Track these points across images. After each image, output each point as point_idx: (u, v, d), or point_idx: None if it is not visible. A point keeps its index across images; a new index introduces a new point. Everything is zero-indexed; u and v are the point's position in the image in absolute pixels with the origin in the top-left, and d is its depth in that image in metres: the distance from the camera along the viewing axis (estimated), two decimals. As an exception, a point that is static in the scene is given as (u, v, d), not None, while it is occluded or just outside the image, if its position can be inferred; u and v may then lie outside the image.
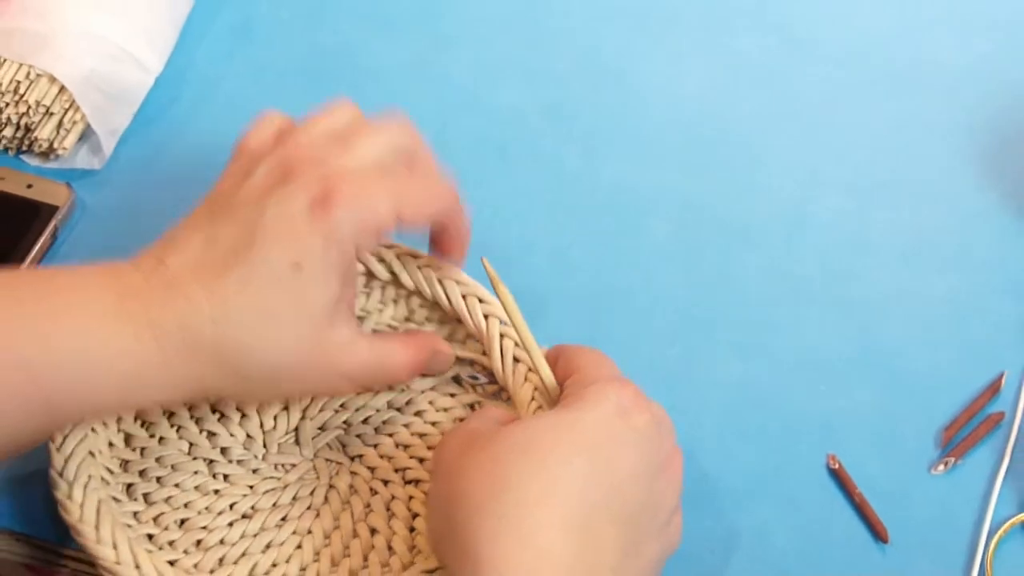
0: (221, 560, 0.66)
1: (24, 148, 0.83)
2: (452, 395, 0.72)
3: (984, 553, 0.69)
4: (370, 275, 0.71)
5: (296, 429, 0.71)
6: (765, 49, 0.93)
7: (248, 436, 0.70)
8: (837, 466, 0.72)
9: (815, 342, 0.78)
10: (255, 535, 0.68)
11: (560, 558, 0.54)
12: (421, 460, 0.70)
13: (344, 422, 0.71)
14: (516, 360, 0.67)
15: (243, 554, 0.67)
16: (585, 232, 0.83)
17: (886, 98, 0.90)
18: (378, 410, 0.71)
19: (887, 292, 0.80)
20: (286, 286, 0.58)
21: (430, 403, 0.72)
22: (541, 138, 0.88)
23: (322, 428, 0.71)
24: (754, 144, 0.88)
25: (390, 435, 0.71)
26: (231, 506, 0.68)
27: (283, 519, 0.69)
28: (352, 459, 0.71)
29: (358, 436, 0.71)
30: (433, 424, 0.71)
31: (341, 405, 0.71)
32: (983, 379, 0.76)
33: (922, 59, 0.93)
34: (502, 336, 0.68)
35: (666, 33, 0.94)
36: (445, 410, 0.72)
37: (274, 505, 0.69)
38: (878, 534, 0.70)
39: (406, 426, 0.71)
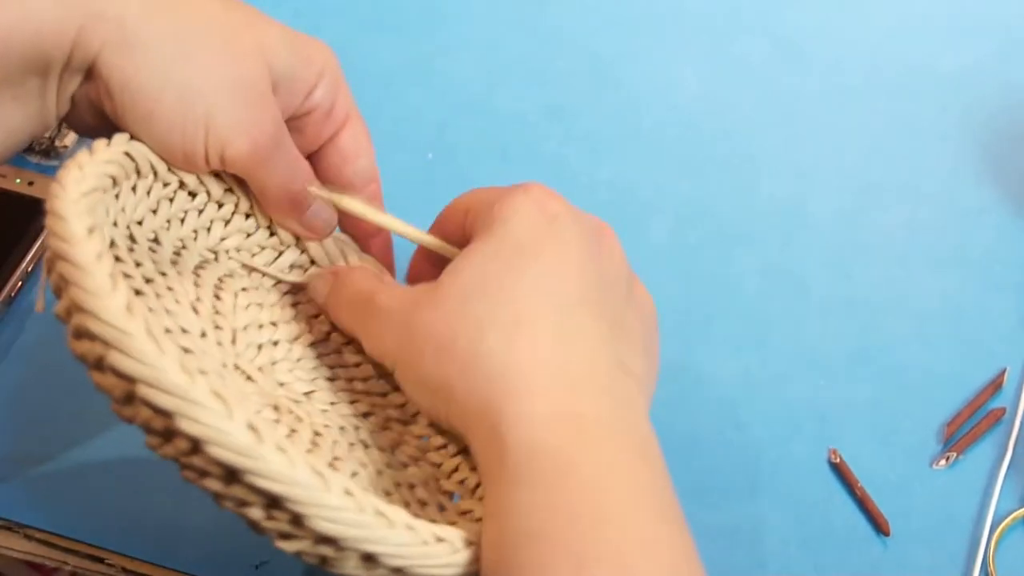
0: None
1: (25, 146, 0.83)
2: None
3: (986, 547, 0.69)
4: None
5: None
6: (763, 51, 0.94)
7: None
8: (838, 460, 0.72)
9: (815, 338, 0.78)
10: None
11: (565, 366, 0.52)
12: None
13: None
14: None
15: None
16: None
17: (883, 99, 0.91)
18: None
19: (886, 290, 0.80)
20: None
21: None
22: (542, 139, 0.88)
23: None
24: (752, 144, 0.88)
25: None
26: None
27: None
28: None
29: None
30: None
31: None
32: (984, 375, 0.76)
33: (919, 61, 0.93)
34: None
35: (665, 36, 0.94)
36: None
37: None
38: (879, 527, 0.70)
39: None
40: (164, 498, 0.70)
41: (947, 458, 0.72)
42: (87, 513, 0.70)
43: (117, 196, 0.55)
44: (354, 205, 0.62)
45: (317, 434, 0.57)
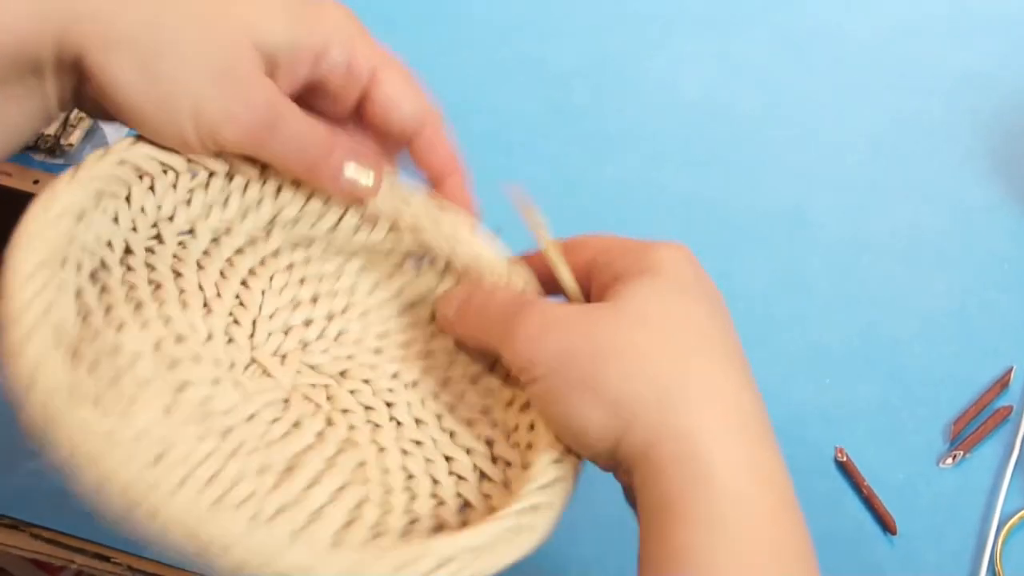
0: None
1: (30, 145, 0.83)
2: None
3: (993, 545, 0.69)
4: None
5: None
6: (768, 50, 0.94)
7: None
8: (845, 459, 0.72)
9: (821, 337, 0.78)
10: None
11: (746, 409, 0.53)
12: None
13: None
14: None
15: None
16: (590, 230, 0.83)
17: (889, 98, 0.91)
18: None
19: (892, 288, 0.80)
20: None
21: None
22: (546, 139, 0.88)
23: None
24: (757, 144, 0.88)
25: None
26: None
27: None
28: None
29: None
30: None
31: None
32: (990, 374, 0.76)
33: (925, 60, 0.93)
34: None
35: (669, 34, 0.94)
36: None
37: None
38: (886, 526, 0.70)
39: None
40: (171, 497, 0.70)
41: (954, 457, 0.72)
42: (93, 512, 0.70)
43: (129, 200, 0.55)
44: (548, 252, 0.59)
45: (332, 419, 0.57)
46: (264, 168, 0.59)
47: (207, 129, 0.54)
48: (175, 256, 0.57)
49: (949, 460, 0.72)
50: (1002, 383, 0.75)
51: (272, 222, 0.61)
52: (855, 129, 0.89)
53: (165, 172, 0.57)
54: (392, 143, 0.62)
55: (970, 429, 0.74)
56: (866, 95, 0.91)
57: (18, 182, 0.80)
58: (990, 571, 0.69)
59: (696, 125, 0.89)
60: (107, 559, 0.69)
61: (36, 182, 0.80)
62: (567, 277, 0.57)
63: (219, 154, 0.57)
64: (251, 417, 0.54)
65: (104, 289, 0.54)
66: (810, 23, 0.95)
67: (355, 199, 0.60)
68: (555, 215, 0.83)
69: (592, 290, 0.57)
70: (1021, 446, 0.73)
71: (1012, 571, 0.69)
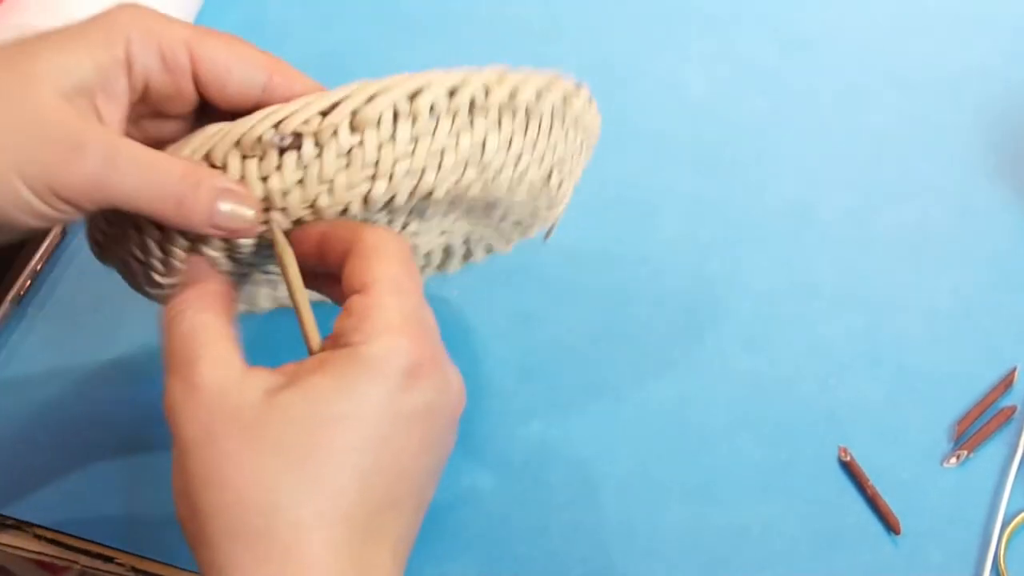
0: None
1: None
2: None
3: (997, 546, 0.69)
4: None
5: None
6: (772, 49, 0.93)
7: None
8: (848, 459, 0.72)
9: (825, 337, 0.78)
10: None
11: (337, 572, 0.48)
12: None
13: None
14: None
15: None
16: (594, 230, 0.83)
17: (894, 97, 0.90)
18: None
19: (896, 288, 0.80)
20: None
21: None
22: (550, 137, 0.88)
23: None
24: (761, 143, 0.88)
25: None
26: None
27: None
28: None
29: None
30: None
31: None
32: (994, 374, 0.76)
33: (930, 59, 0.93)
34: None
35: (675, 33, 0.94)
36: None
37: None
38: (890, 526, 0.70)
39: None
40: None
41: (957, 456, 0.72)
42: (97, 512, 0.70)
43: None
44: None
45: None
46: None
47: (44, 189, 0.51)
48: None
49: (953, 460, 0.72)
50: (1006, 383, 0.75)
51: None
52: (860, 128, 0.89)
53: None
54: (250, 110, 0.56)
55: (974, 429, 0.74)
56: (871, 93, 0.90)
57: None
58: (994, 571, 0.69)
59: (701, 124, 0.89)
60: (110, 560, 0.69)
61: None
62: (310, 330, 0.53)
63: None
64: None
65: None
66: (816, 21, 0.95)
67: (236, 233, 0.55)
68: (563, 214, 0.84)
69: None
70: (1025, 446, 0.73)
71: (1016, 571, 0.69)
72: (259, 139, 0.53)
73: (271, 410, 0.48)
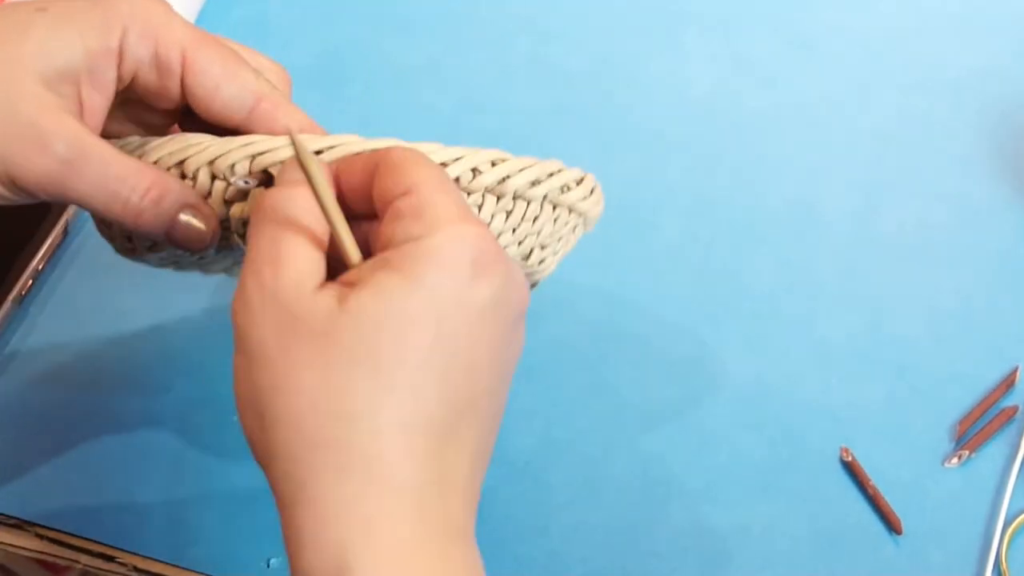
0: None
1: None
2: None
3: (998, 546, 0.69)
4: None
5: None
6: (774, 49, 0.93)
7: None
8: (850, 459, 0.72)
9: (827, 336, 0.78)
10: None
11: (415, 489, 0.46)
12: None
13: None
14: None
15: None
16: (597, 229, 0.82)
17: (896, 97, 0.90)
18: None
19: (898, 287, 0.80)
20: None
21: None
22: (553, 138, 0.88)
23: None
24: (764, 142, 0.88)
25: None
26: None
27: None
28: None
29: None
30: None
31: None
32: (996, 374, 0.76)
33: (932, 59, 0.93)
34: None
35: (677, 32, 0.94)
36: None
37: None
38: (892, 526, 0.70)
39: None
40: (176, 496, 0.70)
41: (959, 456, 0.72)
42: (98, 511, 0.70)
43: None
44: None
45: None
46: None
47: (4, 176, 0.52)
48: None
49: (955, 460, 0.72)
50: (1008, 383, 0.75)
51: None
52: (862, 127, 0.89)
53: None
54: (233, 132, 0.56)
55: (976, 429, 0.74)
56: (873, 93, 0.90)
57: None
58: (995, 571, 0.69)
59: (703, 123, 0.89)
60: (112, 559, 0.69)
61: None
62: (347, 240, 0.49)
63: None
64: None
65: None
66: (818, 21, 0.95)
67: (189, 246, 0.55)
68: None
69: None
70: (1027, 446, 0.73)
71: (1017, 571, 0.69)
72: (232, 167, 0.52)
73: (346, 315, 0.46)
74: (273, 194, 0.49)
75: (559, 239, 0.62)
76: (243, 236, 0.53)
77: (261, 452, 0.47)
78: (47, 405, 0.74)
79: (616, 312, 0.79)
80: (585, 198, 0.60)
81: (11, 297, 0.76)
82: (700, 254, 0.82)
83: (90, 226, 0.81)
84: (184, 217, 0.53)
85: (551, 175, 0.57)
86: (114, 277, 0.78)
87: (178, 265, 0.62)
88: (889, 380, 0.76)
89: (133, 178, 0.52)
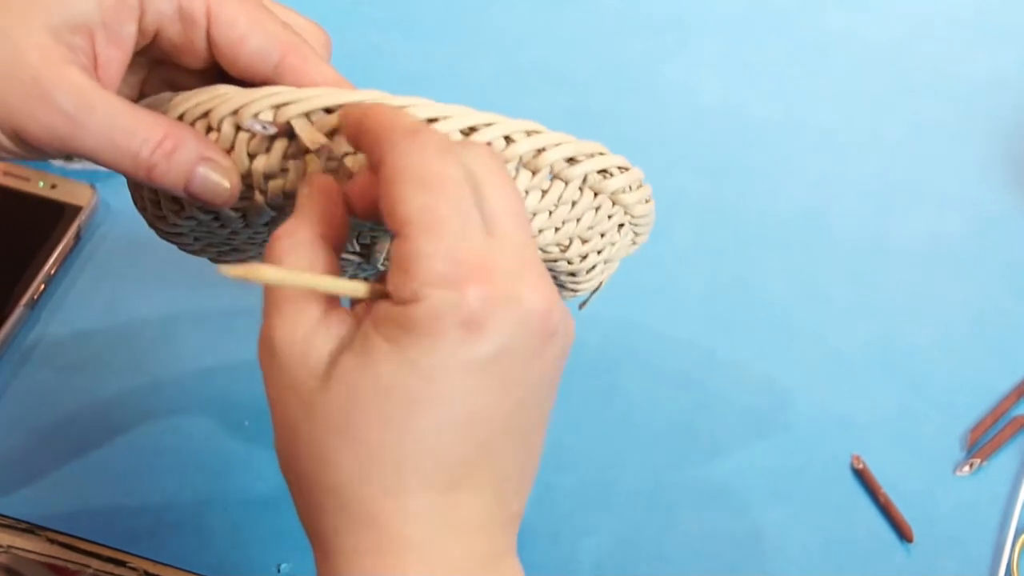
0: None
1: (49, 150, 0.83)
2: None
3: (1010, 554, 0.69)
4: None
5: None
6: (786, 55, 0.93)
7: None
8: (861, 466, 0.72)
9: (838, 344, 0.78)
10: None
11: (419, 541, 0.45)
12: None
13: None
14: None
15: None
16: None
17: (907, 104, 0.90)
18: None
19: (909, 295, 0.80)
20: None
21: None
22: (563, 143, 0.88)
23: None
24: (775, 149, 0.88)
25: None
26: None
27: None
28: None
29: None
30: None
31: None
32: (1008, 382, 0.76)
33: (944, 66, 0.93)
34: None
35: (687, 39, 0.94)
36: None
37: None
38: (903, 533, 0.70)
39: None
40: (187, 501, 0.70)
41: (971, 465, 0.72)
42: (109, 516, 0.70)
43: None
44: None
45: None
46: None
47: (9, 131, 0.50)
48: None
49: (966, 468, 0.72)
50: (1020, 392, 0.75)
51: None
52: (873, 135, 0.89)
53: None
54: (261, 83, 0.54)
55: (987, 437, 0.73)
56: (884, 101, 0.90)
57: (36, 187, 0.81)
58: (1007, 580, 0.69)
59: (714, 130, 0.89)
60: (123, 564, 0.69)
61: (54, 187, 0.80)
62: (343, 290, 0.47)
63: None
64: None
65: None
66: (828, 28, 0.95)
67: (211, 202, 0.53)
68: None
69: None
70: (1039, 454, 0.73)
71: (1029, 580, 0.69)
72: (255, 116, 0.51)
73: (329, 382, 0.45)
74: (280, 230, 0.48)
75: (603, 235, 0.59)
76: (265, 192, 0.52)
77: (291, 492, 0.48)
78: (58, 409, 0.74)
79: (626, 319, 0.79)
80: (628, 190, 0.57)
81: (23, 301, 0.76)
82: (711, 262, 0.82)
83: (102, 231, 0.81)
84: (202, 170, 0.51)
85: (592, 156, 0.55)
86: (125, 282, 0.78)
87: (212, 242, 0.60)
88: (901, 388, 0.76)
89: (143, 131, 0.50)
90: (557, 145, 0.53)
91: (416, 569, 0.45)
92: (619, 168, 0.56)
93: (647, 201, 0.60)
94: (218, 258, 0.63)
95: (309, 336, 0.46)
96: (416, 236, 0.44)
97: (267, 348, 0.47)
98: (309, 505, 0.46)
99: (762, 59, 0.93)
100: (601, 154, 0.55)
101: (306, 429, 0.45)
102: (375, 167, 0.47)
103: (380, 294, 0.46)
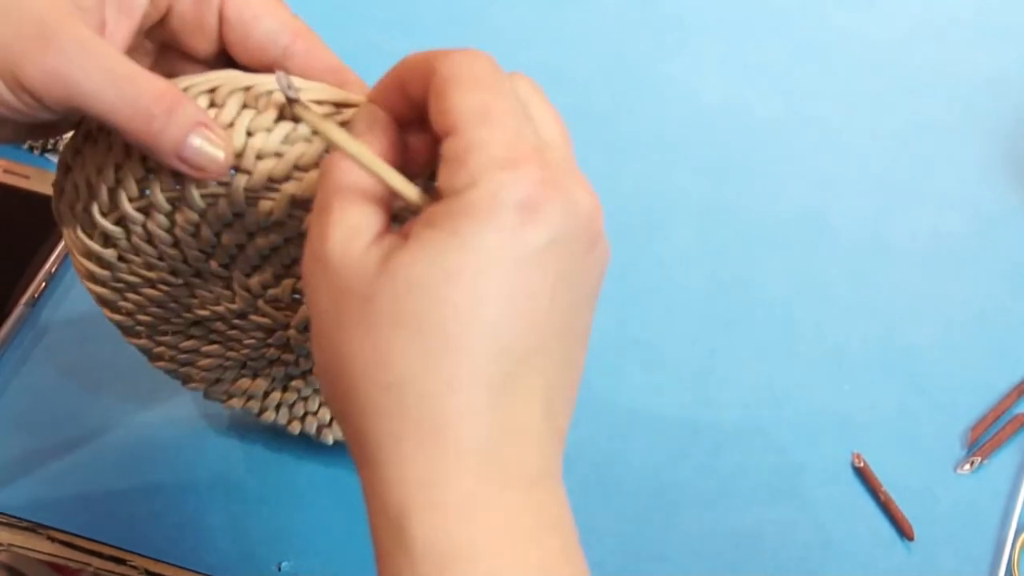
0: None
1: (49, 148, 0.83)
2: None
3: (1010, 552, 0.69)
4: None
5: None
6: (787, 54, 0.93)
7: None
8: (862, 464, 0.72)
9: (839, 342, 0.78)
10: None
11: (477, 443, 0.44)
12: None
13: None
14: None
15: None
16: (608, 233, 0.82)
17: (908, 104, 0.90)
18: None
19: (910, 294, 0.80)
20: None
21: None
22: (564, 142, 0.88)
23: None
24: (776, 148, 0.88)
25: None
26: None
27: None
28: None
29: None
30: None
31: None
32: (1008, 380, 0.76)
33: (945, 66, 0.93)
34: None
35: (688, 39, 0.94)
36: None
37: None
38: (903, 532, 0.70)
39: None
40: (188, 500, 0.70)
41: (971, 463, 0.72)
42: (110, 515, 0.70)
43: None
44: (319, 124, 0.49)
45: None
46: None
47: (10, 78, 0.49)
48: None
49: (967, 466, 0.72)
50: (1020, 389, 0.75)
51: None
52: (874, 134, 0.89)
53: None
54: (267, 69, 0.54)
55: (988, 435, 0.73)
56: (885, 100, 0.90)
57: (36, 184, 0.81)
58: (1008, 578, 0.69)
59: (715, 129, 0.89)
60: (123, 562, 0.69)
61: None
62: (400, 186, 0.47)
63: None
64: None
65: None
66: (830, 28, 0.95)
67: (201, 173, 0.51)
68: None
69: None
70: (1039, 452, 0.73)
71: (1030, 578, 0.69)
72: (269, 93, 0.51)
73: (385, 277, 0.44)
74: (324, 163, 0.48)
75: None
76: (250, 173, 0.52)
77: (334, 411, 0.47)
78: (59, 408, 0.74)
79: (627, 318, 0.79)
80: None
81: (24, 300, 0.76)
82: (711, 261, 0.82)
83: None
84: (197, 140, 0.50)
85: None
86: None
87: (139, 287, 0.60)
88: (901, 386, 0.76)
89: (144, 82, 0.49)
90: None
91: (468, 479, 0.44)
92: None
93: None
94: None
95: (365, 245, 0.46)
96: (474, 128, 0.45)
97: (319, 258, 0.46)
98: (364, 412, 0.45)
99: (763, 58, 0.93)
100: None
101: (363, 329, 0.45)
102: (422, 100, 0.47)
103: (432, 203, 0.46)
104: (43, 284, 0.77)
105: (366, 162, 0.46)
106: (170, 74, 0.57)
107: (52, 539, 0.70)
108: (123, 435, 0.73)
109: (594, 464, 0.72)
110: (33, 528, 0.70)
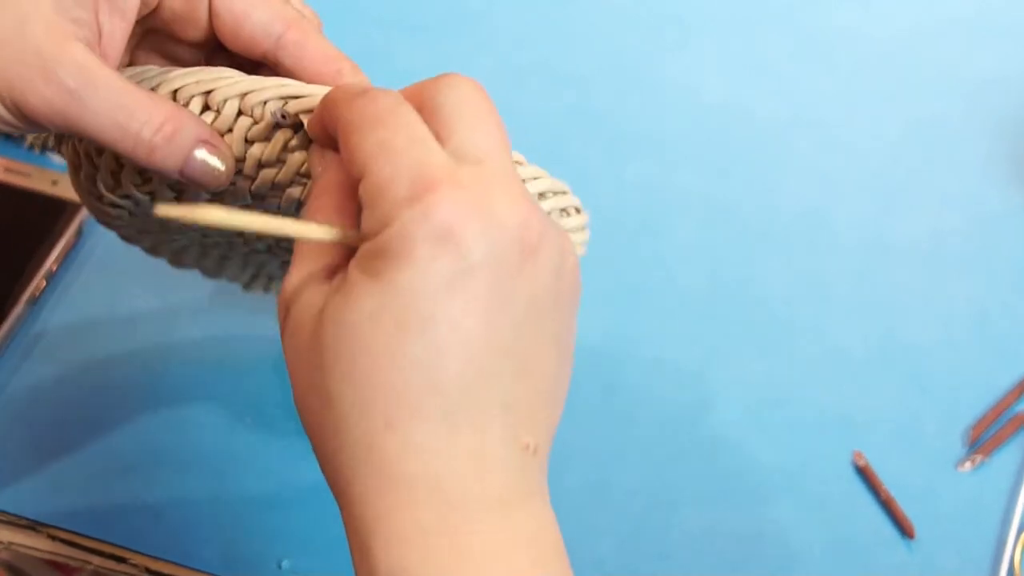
0: None
1: (49, 146, 0.83)
2: None
3: (1012, 551, 0.69)
4: None
5: None
6: (788, 53, 0.93)
7: None
8: (863, 463, 0.72)
9: (840, 341, 0.78)
10: None
11: (424, 476, 0.44)
12: None
13: None
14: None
15: None
16: (609, 232, 0.83)
17: (910, 102, 0.90)
18: None
19: (911, 292, 0.80)
20: None
21: None
22: (567, 140, 0.88)
23: None
24: (777, 146, 0.88)
25: None
26: None
27: None
28: None
29: None
30: None
31: None
32: (1010, 378, 0.76)
33: (946, 64, 0.93)
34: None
35: (689, 37, 0.94)
36: None
37: None
38: (904, 531, 0.69)
39: None
40: (188, 498, 0.70)
41: (972, 461, 0.72)
42: (110, 513, 0.70)
43: None
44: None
45: None
46: None
47: (11, 105, 0.50)
48: None
49: (968, 465, 0.72)
50: (1021, 388, 0.75)
51: None
52: (875, 133, 0.89)
53: None
54: (261, 59, 0.55)
55: (989, 434, 0.73)
56: (887, 99, 0.90)
57: (37, 183, 0.81)
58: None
59: (716, 128, 0.89)
60: (123, 560, 0.69)
61: (55, 183, 0.80)
62: (294, 229, 0.46)
63: None
64: None
65: None
66: (831, 27, 0.95)
67: (204, 185, 0.52)
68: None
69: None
70: (1040, 451, 0.73)
71: (1031, 577, 0.69)
72: (264, 103, 0.51)
73: (322, 322, 0.45)
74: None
75: None
76: (253, 179, 0.52)
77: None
78: (59, 406, 0.74)
79: (627, 317, 0.79)
80: (579, 230, 0.58)
81: (24, 298, 0.76)
82: (712, 260, 0.82)
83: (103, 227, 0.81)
84: (199, 154, 0.51)
85: (558, 193, 0.55)
86: (127, 279, 0.78)
87: (146, 228, 0.61)
88: (902, 385, 0.76)
89: (145, 112, 0.50)
90: (534, 179, 0.54)
91: (422, 510, 0.44)
92: (575, 209, 0.56)
93: (583, 244, 0.60)
94: (153, 247, 0.64)
95: (313, 289, 0.46)
96: (379, 167, 0.44)
97: (281, 302, 0.47)
98: (325, 456, 0.46)
99: (764, 57, 0.93)
100: (565, 192, 0.56)
101: (307, 375, 0.45)
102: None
103: (356, 240, 0.45)
104: (44, 283, 0.77)
105: (257, 226, 0.45)
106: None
107: (52, 537, 0.70)
108: (123, 434, 0.73)
109: (594, 463, 0.72)
110: (33, 526, 0.70)
